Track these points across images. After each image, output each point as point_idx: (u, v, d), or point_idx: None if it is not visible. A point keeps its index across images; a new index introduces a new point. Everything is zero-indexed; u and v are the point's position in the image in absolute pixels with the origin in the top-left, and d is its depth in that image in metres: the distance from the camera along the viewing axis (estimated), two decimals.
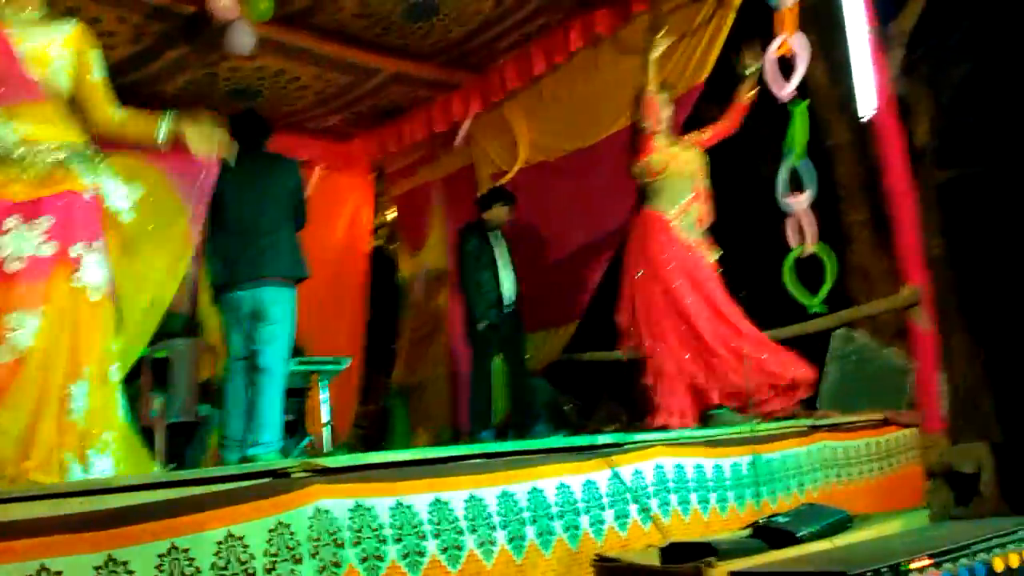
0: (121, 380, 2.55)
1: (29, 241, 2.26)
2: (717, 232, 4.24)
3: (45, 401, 2.23)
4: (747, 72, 4.31)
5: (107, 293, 2.38)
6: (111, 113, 2.56)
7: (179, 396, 4.87)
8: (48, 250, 2.27)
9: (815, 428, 3.71)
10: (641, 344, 3.99)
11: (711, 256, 4.10)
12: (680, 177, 4.12)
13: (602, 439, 2.77)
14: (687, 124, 5.04)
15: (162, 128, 2.60)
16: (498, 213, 5.45)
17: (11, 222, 2.26)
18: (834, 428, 3.83)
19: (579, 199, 5.65)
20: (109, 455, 2.35)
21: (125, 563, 1.76)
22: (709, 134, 4.33)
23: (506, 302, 5.24)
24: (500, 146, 6.32)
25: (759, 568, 2.24)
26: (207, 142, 2.64)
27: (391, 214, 7.74)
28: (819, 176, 4.73)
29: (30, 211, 2.27)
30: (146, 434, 4.80)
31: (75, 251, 2.31)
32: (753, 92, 4.33)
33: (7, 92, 2.33)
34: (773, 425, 3.60)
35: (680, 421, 3.78)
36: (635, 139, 4.18)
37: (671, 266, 3.95)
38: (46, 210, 2.28)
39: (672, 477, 2.97)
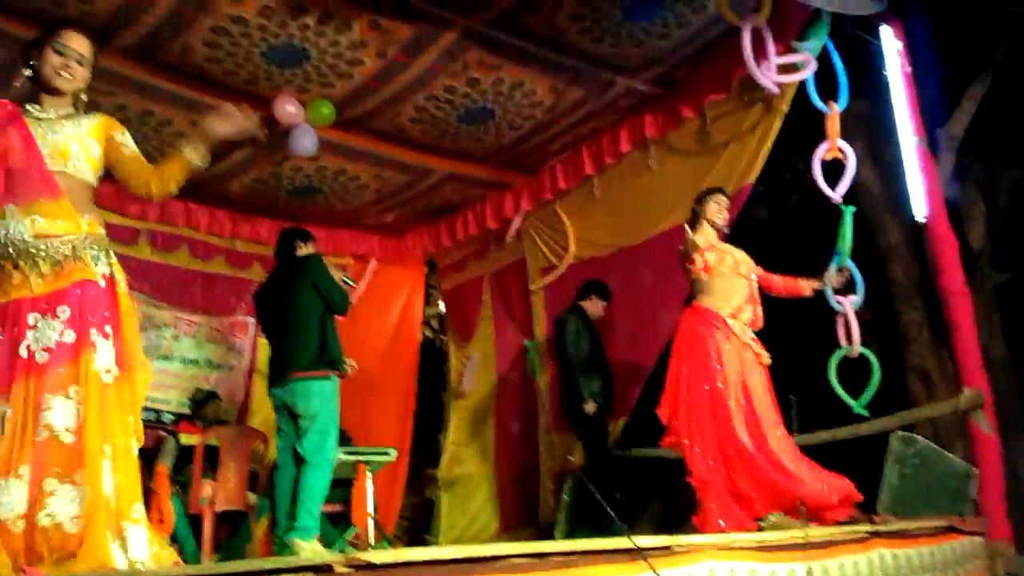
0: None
1: (54, 331, 2.36)
2: (771, 330, 4.20)
3: (88, 480, 2.29)
4: (823, 284, 4.40)
5: (119, 372, 2.45)
6: (151, 173, 2.68)
7: (228, 484, 4.91)
8: (69, 337, 2.37)
9: (874, 534, 3.57)
10: (682, 442, 3.91)
11: (763, 358, 4.02)
12: (734, 276, 4.07)
13: (649, 541, 2.71)
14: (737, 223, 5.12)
15: (188, 151, 2.70)
16: (595, 306, 5.49)
17: (33, 318, 2.37)
18: (894, 535, 3.68)
19: (629, 295, 5.68)
20: (142, 526, 2.39)
21: None
22: (761, 274, 4.24)
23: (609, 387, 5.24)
24: (551, 241, 6.44)
25: None
26: (230, 121, 2.71)
27: (441, 306, 7.85)
28: (873, 276, 4.70)
29: (50, 304, 2.38)
30: (194, 521, 4.87)
31: (92, 336, 2.40)
32: (813, 290, 4.37)
33: (27, 190, 2.45)
34: (829, 530, 3.48)
35: (726, 525, 3.67)
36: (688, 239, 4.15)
37: (720, 365, 3.87)
38: (63, 300, 2.40)
39: None
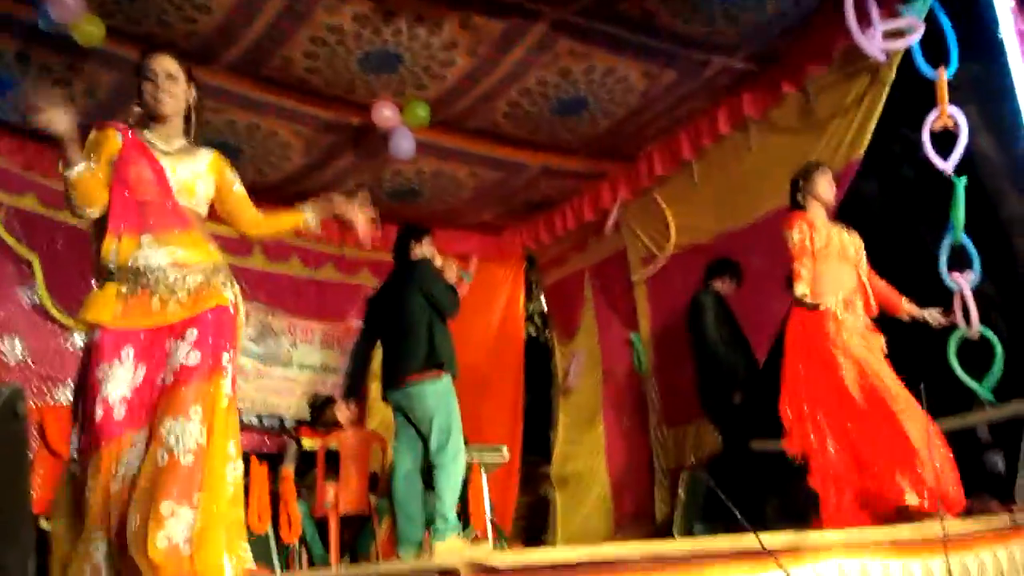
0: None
1: (181, 352, 2.44)
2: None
3: (206, 501, 2.36)
4: (924, 317, 4.08)
5: (232, 399, 2.51)
6: (257, 215, 2.81)
7: (350, 487, 5.03)
8: (194, 359, 2.43)
9: (1014, 526, 3.36)
10: (805, 442, 3.69)
11: (879, 342, 3.77)
12: (841, 261, 3.83)
13: (775, 539, 2.63)
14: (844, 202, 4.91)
15: (309, 216, 2.86)
16: (727, 287, 5.15)
17: (168, 344, 2.46)
18: None
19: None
20: (244, 541, 2.48)
21: None
22: (866, 270, 3.93)
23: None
24: (651, 230, 6.33)
25: None
26: (354, 214, 2.87)
27: (543, 302, 7.85)
28: (996, 249, 4.43)
29: (182, 329, 2.46)
30: (320, 525, 5.02)
31: (223, 361, 2.48)
32: (910, 316, 4.07)
33: (160, 221, 2.53)
34: (967, 524, 3.29)
35: (848, 524, 3.47)
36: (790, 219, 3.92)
37: (839, 360, 3.63)
38: (194, 324, 2.47)
39: None
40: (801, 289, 3.69)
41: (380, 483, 5.42)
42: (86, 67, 4.73)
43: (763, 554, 2.42)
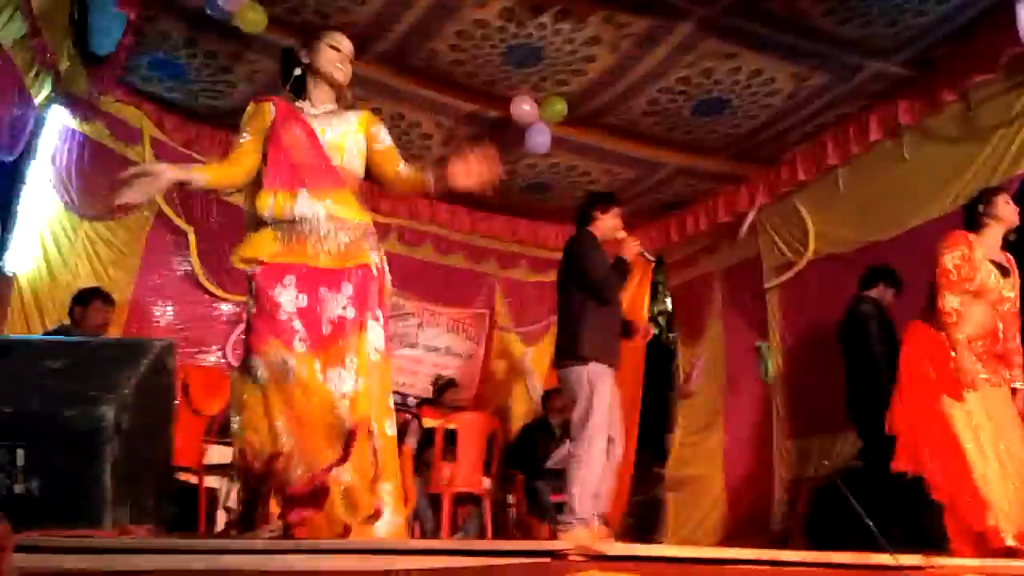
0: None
1: (338, 304, 2.58)
2: None
3: (361, 451, 2.48)
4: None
5: (384, 354, 2.64)
6: (400, 168, 2.87)
7: (465, 467, 5.15)
8: (351, 313, 2.58)
9: None
10: (914, 467, 3.53)
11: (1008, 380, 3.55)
12: (985, 302, 3.58)
13: (903, 559, 2.50)
14: None
15: (428, 177, 2.85)
16: (884, 295, 4.85)
17: (323, 291, 2.59)
18: None
19: None
20: (391, 508, 2.57)
21: None
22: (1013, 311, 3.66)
23: None
24: (789, 236, 6.13)
25: None
26: (469, 176, 2.78)
27: (668, 303, 7.74)
28: None
29: (335, 280, 2.60)
30: (434, 500, 5.17)
31: (367, 316, 2.60)
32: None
33: (314, 179, 2.68)
34: None
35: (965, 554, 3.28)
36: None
37: (957, 391, 3.45)
38: (347, 279, 2.61)
39: None
40: (949, 305, 3.50)
41: (493, 466, 5.52)
42: (247, 54, 5.02)
43: (885, 572, 2.31)
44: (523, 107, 5.33)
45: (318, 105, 2.81)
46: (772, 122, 5.58)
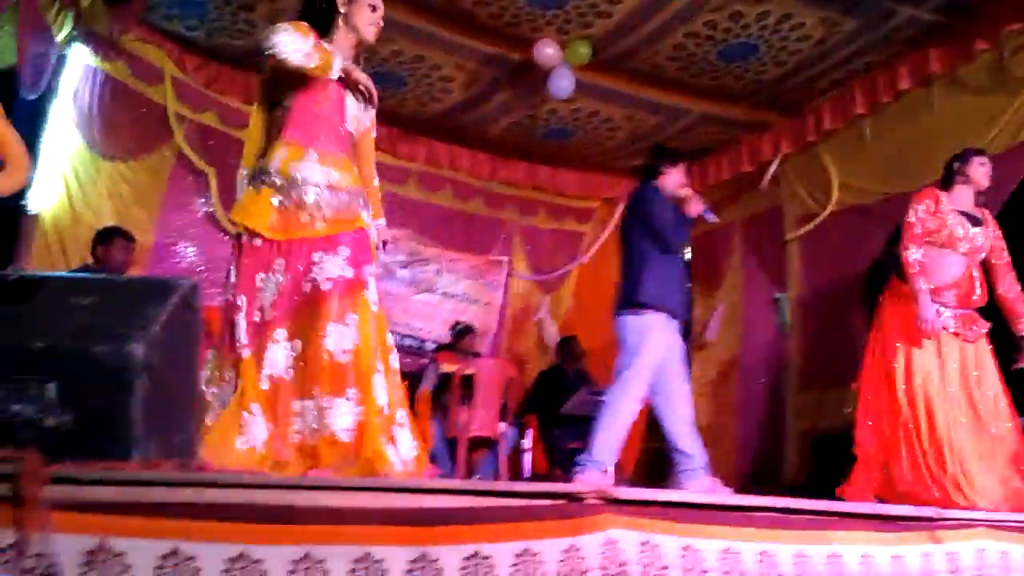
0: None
1: (336, 266, 2.62)
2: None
3: (367, 395, 2.55)
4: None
5: (379, 306, 2.72)
6: (371, 176, 2.98)
7: (481, 412, 5.22)
8: (349, 273, 2.63)
9: None
10: (860, 410, 3.69)
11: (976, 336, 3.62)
12: (957, 253, 3.67)
13: (916, 511, 2.53)
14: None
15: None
16: None
17: (317, 256, 2.63)
18: None
19: None
20: (407, 428, 2.64)
21: (435, 560, 1.90)
22: (1002, 286, 3.75)
23: None
24: (812, 187, 6.06)
25: None
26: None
27: (687, 253, 7.70)
28: None
29: (331, 244, 2.64)
30: (450, 444, 5.24)
31: (366, 274, 2.67)
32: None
33: (328, 141, 2.71)
34: None
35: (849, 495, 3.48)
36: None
37: (917, 339, 3.56)
38: (343, 242, 2.65)
39: (996, 564, 2.63)
40: (912, 256, 3.62)
41: (509, 411, 5.59)
42: None
43: (902, 522, 2.34)
44: (546, 51, 5.25)
45: (344, 57, 2.76)
46: (800, 69, 5.48)
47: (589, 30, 5.20)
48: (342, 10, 2.79)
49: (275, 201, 2.64)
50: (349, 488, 2.00)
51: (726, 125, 6.31)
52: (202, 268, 5.88)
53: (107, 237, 4.68)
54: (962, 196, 3.77)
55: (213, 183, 5.87)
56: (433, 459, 5.22)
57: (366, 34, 2.82)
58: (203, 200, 5.95)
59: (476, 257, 7.09)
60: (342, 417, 2.51)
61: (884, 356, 3.69)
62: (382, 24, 2.86)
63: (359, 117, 2.83)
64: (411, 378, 5.52)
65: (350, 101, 2.77)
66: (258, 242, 2.63)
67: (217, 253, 5.98)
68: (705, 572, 2.18)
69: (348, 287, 2.61)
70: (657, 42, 5.28)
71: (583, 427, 5.64)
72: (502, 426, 5.43)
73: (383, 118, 6.26)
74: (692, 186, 6.83)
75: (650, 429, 7.03)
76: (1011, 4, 4.55)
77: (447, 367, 5.64)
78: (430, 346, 6.65)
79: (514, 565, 1.97)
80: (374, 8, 2.82)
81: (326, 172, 2.67)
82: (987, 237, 3.73)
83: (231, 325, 2.60)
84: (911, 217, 3.68)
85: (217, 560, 1.63)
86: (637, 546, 2.14)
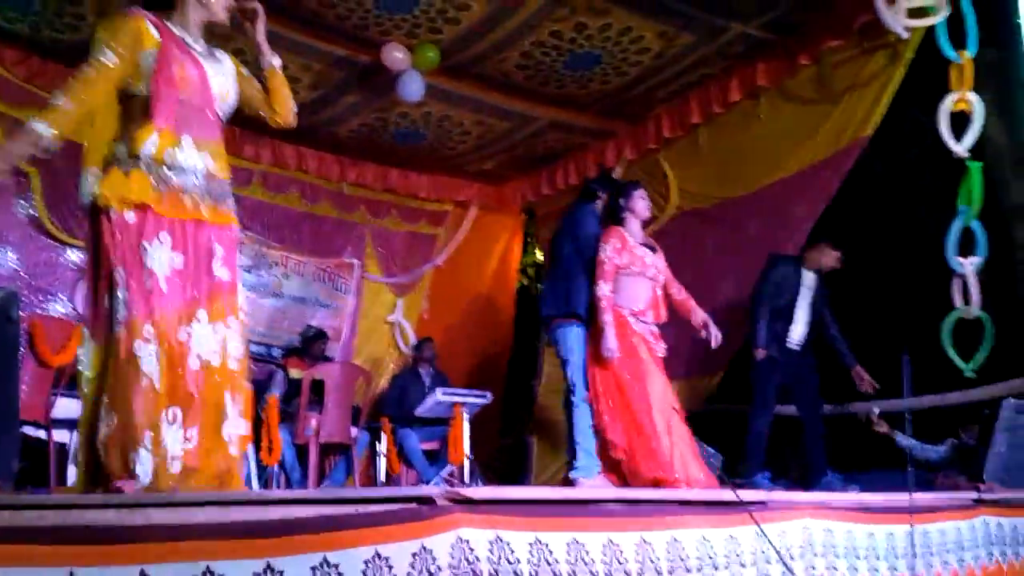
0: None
1: (216, 265, 2.50)
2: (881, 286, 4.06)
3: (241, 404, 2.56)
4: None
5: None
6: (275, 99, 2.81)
7: (332, 418, 5.12)
8: (226, 275, 2.52)
9: (979, 502, 3.46)
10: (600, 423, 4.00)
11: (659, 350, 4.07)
12: (645, 278, 4.07)
13: (746, 495, 2.70)
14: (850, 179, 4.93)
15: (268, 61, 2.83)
16: (820, 256, 4.97)
17: (199, 250, 2.48)
18: (1001, 503, 3.56)
19: (730, 249, 5.56)
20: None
21: (281, 572, 1.85)
22: (674, 291, 4.23)
23: (793, 341, 4.93)
24: (653, 192, 6.27)
25: None
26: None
27: (538, 255, 7.88)
28: (995, 237, 4.48)
29: (208, 240, 2.50)
30: (301, 451, 5.12)
31: (236, 277, 2.58)
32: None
33: (200, 127, 2.52)
34: (934, 495, 3.39)
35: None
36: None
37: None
38: (218, 240, 2.52)
39: (821, 541, 2.84)
40: (601, 291, 3.95)
41: (362, 416, 5.52)
42: None
43: (735, 507, 2.49)
44: (395, 54, 5.22)
45: (194, 36, 2.59)
46: (641, 79, 5.71)
47: (438, 35, 5.21)
48: None
49: (152, 182, 2.42)
50: (187, 503, 1.92)
51: (573, 131, 6.49)
52: (24, 275, 5.47)
53: None
54: (633, 227, 4.12)
55: (37, 184, 5.46)
56: (283, 468, 5.10)
57: (220, 15, 2.61)
58: (25, 202, 5.53)
59: (325, 260, 6.94)
60: (236, 425, 2.50)
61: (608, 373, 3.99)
62: (235, 4, 2.64)
63: (229, 95, 2.62)
64: (257, 385, 5.35)
65: (215, 81, 2.57)
66: (131, 216, 2.39)
67: (41, 259, 5.59)
68: (551, 564, 2.23)
69: (229, 289, 2.51)
70: (505, 49, 5.37)
71: (438, 428, 5.69)
72: (354, 431, 5.35)
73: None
74: (543, 190, 7.10)
75: (504, 426, 7.15)
76: (831, 23, 4.93)
77: (296, 373, 5.51)
78: (277, 352, 6.46)
79: (363, 572, 1.95)
80: None
81: (203, 159, 2.50)
82: (662, 259, 4.15)
83: (110, 300, 2.39)
84: (601, 255, 3.97)
85: None
86: (487, 544, 2.16)
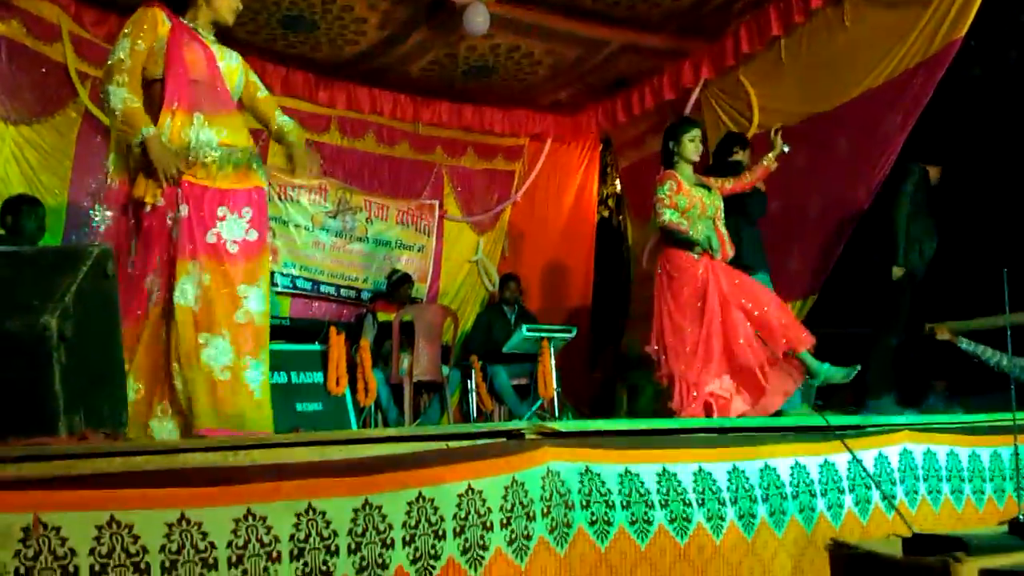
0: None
1: (240, 228, 2.71)
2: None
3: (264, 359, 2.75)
4: (775, 150, 4.34)
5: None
6: (281, 120, 3.04)
7: (423, 357, 5.23)
8: (253, 236, 2.72)
9: None
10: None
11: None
12: (700, 220, 4.01)
13: (841, 420, 2.65)
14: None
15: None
16: (935, 172, 4.88)
17: (223, 211, 2.69)
18: None
19: (822, 165, 5.34)
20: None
21: (379, 507, 1.92)
22: (731, 184, 4.22)
23: (928, 257, 4.80)
24: (734, 111, 6.10)
25: (1016, 567, 2.04)
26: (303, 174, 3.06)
27: (617, 185, 7.75)
28: None
29: (236, 202, 2.72)
30: (396, 390, 5.26)
31: (268, 238, 2.81)
32: (774, 161, 4.28)
33: (211, 102, 2.75)
34: None
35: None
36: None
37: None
38: (247, 202, 2.74)
39: (921, 464, 2.77)
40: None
41: (452, 355, 5.61)
42: None
43: (828, 434, 2.44)
44: None
45: (206, 29, 2.85)
46: None
47: None
48: None
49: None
50: (287, 444, 1.99)
51: (647, 54, 6.28)
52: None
53: (14, 206, 4.50)
54: (686, 170, 4.06)
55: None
56: (379, 408, 5.26)
57: (227, 19, 2.88)
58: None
59: (406, 202, 7.00)
60: (255, 378, 2.68)
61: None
62: (241, 7, 2.90)
63: (236, 75, 2.87)
64: (348, 328, 5.49)
65: (223, 64, 2.83)
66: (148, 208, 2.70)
67: None
68: (643, 495, 2.25)
69: (256, 251, 2.72)
70: None
71: (527, 365, 5.74)
72: (445, 369, 5.46)
73: (297, 63, 6.15)
74: (619, 118, 6.93)
75: (593, 362, 7.17)
76: None
77: (384, 316, 5.61)
78: (366, 295, 6.60)
79: (458, 504, 2.00)
80: None
81: (218, 132, 2.73)
82: (719, 199, 4.12)
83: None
84: (659, 196, 3.97)
85: (156, 525, 1.61)
86: (577, 475, 2.19)
